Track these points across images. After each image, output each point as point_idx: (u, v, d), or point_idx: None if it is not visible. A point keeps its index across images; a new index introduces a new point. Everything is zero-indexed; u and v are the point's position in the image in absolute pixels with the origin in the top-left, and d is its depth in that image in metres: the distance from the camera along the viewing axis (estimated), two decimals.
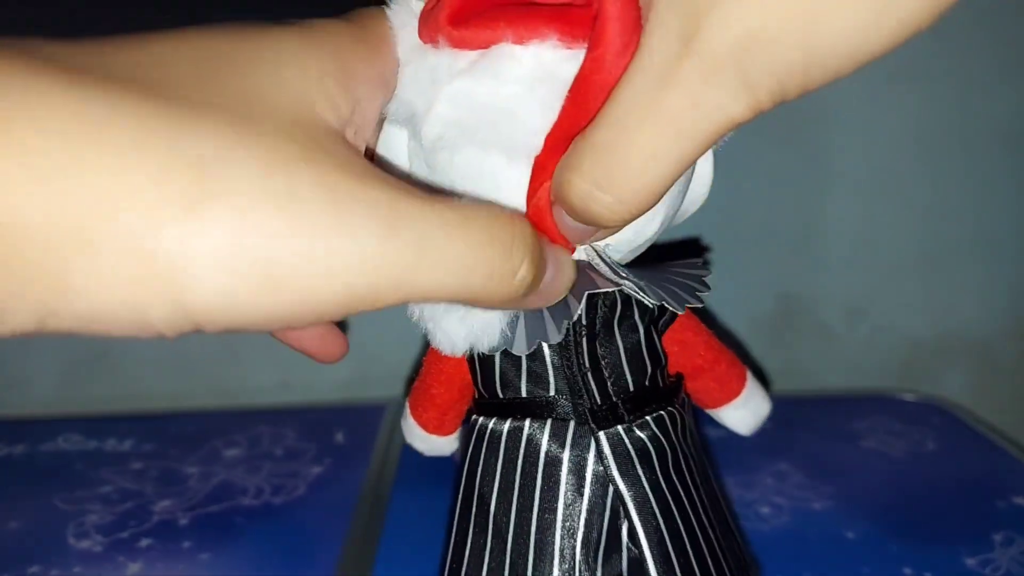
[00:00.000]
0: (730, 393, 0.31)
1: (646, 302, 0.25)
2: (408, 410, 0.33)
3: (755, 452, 0.43)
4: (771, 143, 0.49)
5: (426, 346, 0.28)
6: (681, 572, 0.26)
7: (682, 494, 0.27)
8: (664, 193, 0.20)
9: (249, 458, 0.43)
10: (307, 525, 0.37)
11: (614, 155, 0.19)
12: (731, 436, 0.45)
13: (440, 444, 0.33)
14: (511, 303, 0.21)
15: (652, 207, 0.21)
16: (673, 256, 0.29)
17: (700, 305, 0.26)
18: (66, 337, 0.50)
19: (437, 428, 0.32)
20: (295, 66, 0.20)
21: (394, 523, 0.37)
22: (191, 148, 0.17)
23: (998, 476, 0.41)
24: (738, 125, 0.19)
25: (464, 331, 0.24)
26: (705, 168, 0.28)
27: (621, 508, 0.26)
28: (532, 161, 0.22)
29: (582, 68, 0.21)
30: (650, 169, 0.19)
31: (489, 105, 0.22)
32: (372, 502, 0.39)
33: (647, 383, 0.27)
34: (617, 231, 0.23)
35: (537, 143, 0.22)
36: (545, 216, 0.23)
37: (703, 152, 0.19)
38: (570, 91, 0.21)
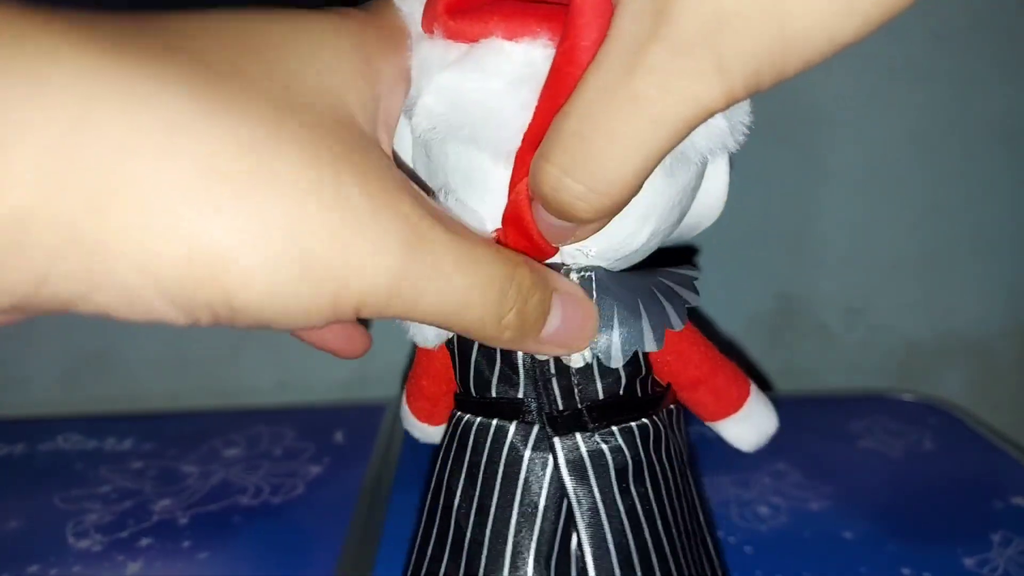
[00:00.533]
0: (728, 407, 0.30)
1: (608, 364, 0.25)
2: (404, 398, 0.33)
3: (753, 452, 0.43)
4: (769, 143, 0.49)
5: None
6: None
7: (639, 509, 0.26)
8: (639, 184, 0.19)
9: (248, 458, 0.43)
10: (306, 525, 0.37)
11: (584, 142, 0.19)
12: None
13: (432, 432, 0.33)
14: (500, 343, 0.22)
15: (628, 199, 0.20)
16: (661, 261, 0.29)
17: (679, 327, 0.26)
18: (66, 337, 0.50)
19: (428, 418, 0.32)
20: (331, 57, 0.20)
21: (394, 523, 0.37)
22: (243, 130, 0.17)
23: (996, 476, 0.41)
24: (712, 113, 0.18)
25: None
26: (717, 182, 0.27)
27: (572, 516, 0.26)
28: (514, 158, 0.22)
29: (554, 61, 0.21)
30: (622, 157, 0.19)
31: (473, 100, 0.22)
32: (371, 502, 0.39)
33: (621, 392, 0.26)
34: (596, 228, 0.23)
35: (519, 141, 0.22)
36: (524, 212, 0.22)
37: (678, 141, 0.19)
38: (544, 86, 0.21)
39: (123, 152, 0.15)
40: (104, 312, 0.17)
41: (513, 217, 0.23)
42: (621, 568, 0.25)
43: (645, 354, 0.27)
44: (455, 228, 0.20)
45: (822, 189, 0.51)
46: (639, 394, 0.27)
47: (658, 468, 0.27)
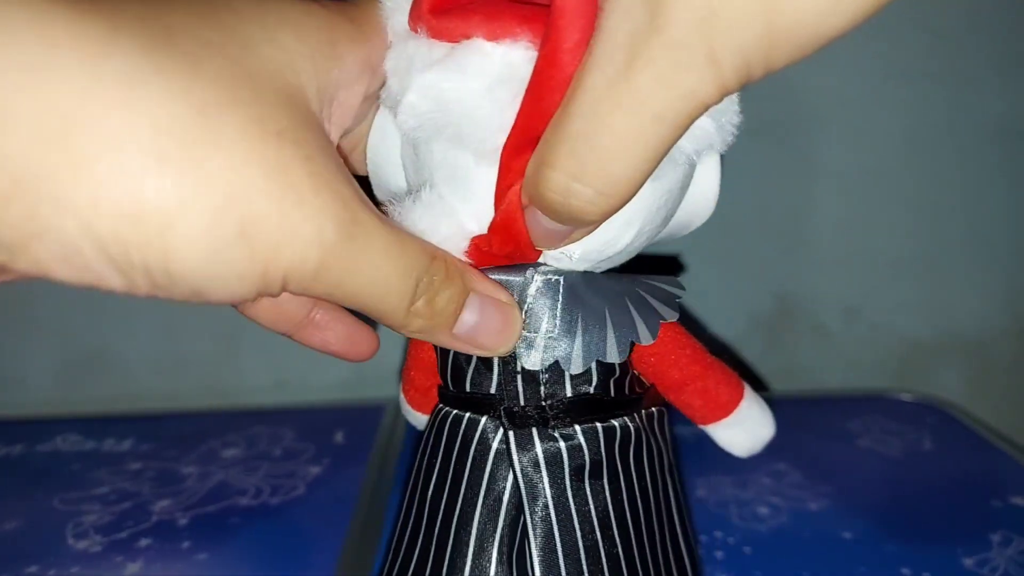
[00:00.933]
0: (719, 411, 0.29)
1: (568, 370, 0.25)
2: (401, 388, 0.34)
3: (748, 457, 0.43)
4: (768, 143, 0.49)
5: None
6: None
7: (593, 511, 0.26)
8: (643, 181, 0.20)
9: (247, 458, 0.43)
10: (306, 525, 0.37)
11: (589, 144, 0.19)
12: None
13: (425, 420, 0.33)
14: (408, 332, 0.22)
15: (632, 197, 0.20)
16: (649, 268, 0.28)
17: (648, 342, 0.25)
18: (64, 337, 0.50)
19: (420, 407, 0.33)
20: (292, 36, 0.20)
21: (393, 523, 0.37)
22: (196, 92, 0.17)
23: (995, 476, 0.41)
24: (708, 107, 0.18)
25: None
26: (708, 182, 0.27)
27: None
28: (497, 160, 0.22)
29: (536, 65, 0.21)
30: (628, 156, 0.19)
31: (453, 100, 0.22)
32: (371, 502, 0.39)
33: (591, 392, 0.26)
34: (591, 231, 0.23)
35: (499, 141, 0.22)
36: (516, 219, 0.22)
37: (679, 136, 0.19)
38: (527, 88, 0.21)
39: (79, 99, 0.15)
40: (41, 268, 0.17)
41: (504, 224, 0.23)
42: (567, 568, 0.25)
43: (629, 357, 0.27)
44: (384, 218, 0.21)
45: (820, 189, 0.51)
46: (612, 395, 0.27)
47: (621, 470, 0.26)
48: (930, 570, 0.33)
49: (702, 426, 0.30)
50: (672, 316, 0.26)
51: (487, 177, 0.23)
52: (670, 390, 0.29)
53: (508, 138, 0.22)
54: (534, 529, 0.25)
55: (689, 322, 0.29)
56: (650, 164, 0.19)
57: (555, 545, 0.25)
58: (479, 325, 0.23)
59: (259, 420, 0.47)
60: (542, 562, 0.25)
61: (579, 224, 0.21)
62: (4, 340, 0.51)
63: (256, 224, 0.18)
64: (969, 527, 0.36)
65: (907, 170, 0.51)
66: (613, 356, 0.25)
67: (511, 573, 0.26)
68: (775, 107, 0.49)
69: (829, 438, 0.45)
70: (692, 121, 0.19)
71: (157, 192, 0.16)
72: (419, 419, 0.33)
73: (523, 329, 0.25)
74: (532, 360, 0.25)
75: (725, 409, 0.29)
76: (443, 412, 0.28)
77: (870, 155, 0.51)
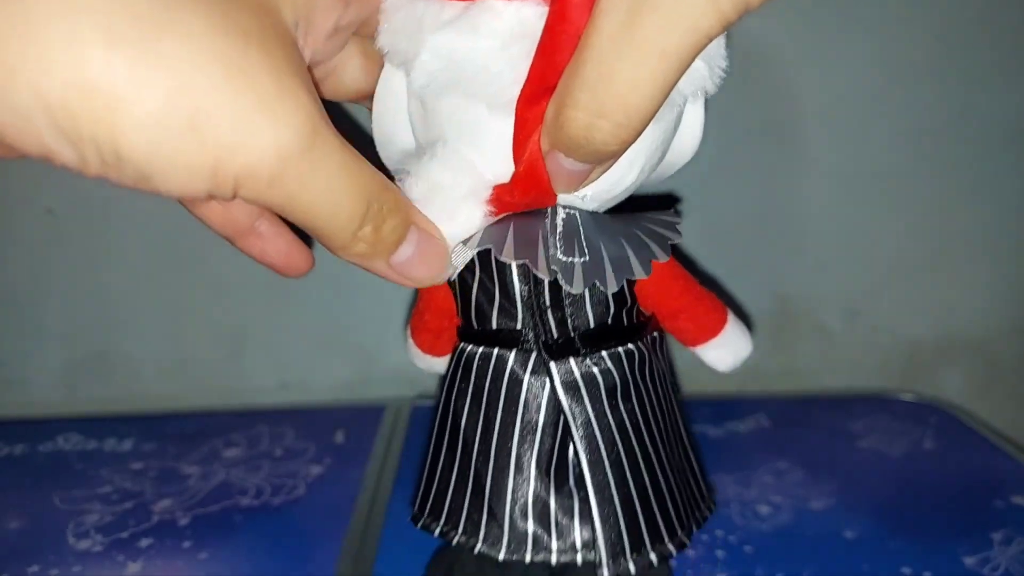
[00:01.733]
0: (708, 333, 0.32)
1: (569, 289, 0.26)
2: (409, 332, 0.35)
3: (754, 451, 0.43)
4: (770, 143, 0.49)
5: None
6: (617, 492, 0.29)
7: (627, 424, 0.29)
8: (655, 112, 0.21)
9: (249, 458, 0.43)
10: (307, 525, 0.37)
11: (605, 84, 0.21)
12: (730, 435, 0.45)
13: (435, 363, 0.35)
14: (350, 256, 0.23)
15: (645, 128, 0.22)
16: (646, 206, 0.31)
17: (654, 263, 0.27)
18: (66, 337, 0.50)
19: (431, 349, 0.34)
20: None
21: (394, 523, 0.37)
22: None
23: (996, 476, 0.41)
24: (711, 39, 0.20)
25: None
26: (693, 124, 0.29)
27: (569, 430, 0.29)
28: (511, 112, 0.24)
29: (547, 20, 0.22)
30: (640, 90, 0.20)
31: (467, 59, 0.23)
32: (371, 502, 0.39)
33: (609, 322, 0.30)
34: (606, 169, 0.25)
35: (513, 94, 0.23)
36: (538, 166, 0.24)
37: (685, 69, 0.20)
38: (540, 43, 0.22)
39: None
40: None
41: (527, 173, 0.24)
42: (612, 473, 0.29)
43: (631, 286, 0.30)
44: (342, 139, 0.21)
45: (822, 189, 0.51)
46: (625, 323, 0.30)
47: (643, 387, 0.30)
48: (931, 569, 0.33)
49: (691, 347, 0.33)
50: (676, 238, 0.29)
51: (501, 128, 0.24)
52: (666, 318, 0.32)
53: (523, 91, 0.23)
54: (580, 443, 0.29)
55: (678, 257, 0.31)
56: (660, 95, 0.21)
57: (600, 454, 0.29)
58: (414, 257, 0.24)
59: (260, 420, 0.48)
60: (590, 467, 0.28)
61: (600, 158, 0.23)
62: (9, 341, 0.51)
63: (209, 118, 0.17)
64: (970, 526, 0.36)
65: (909, 170, 0.51)
66: (640, 273, 0.27)
67: (550, 486, 0.29)
68: (777, 107, 0.49)
69: (831, 438, 0.45)
70: (696, 53, 0.20)
71: (107, 65, 0.16)
72: (430, 363, 0.35)
73: (561, 257, 0.26)
74: (576, 285, 0.26)
75: (713, 332, 0.33)
76: (468, 350, 0.31)
77: (872, 155, 0.51)
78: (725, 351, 0.33)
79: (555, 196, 0.26)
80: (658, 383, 0.31)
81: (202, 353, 0.52)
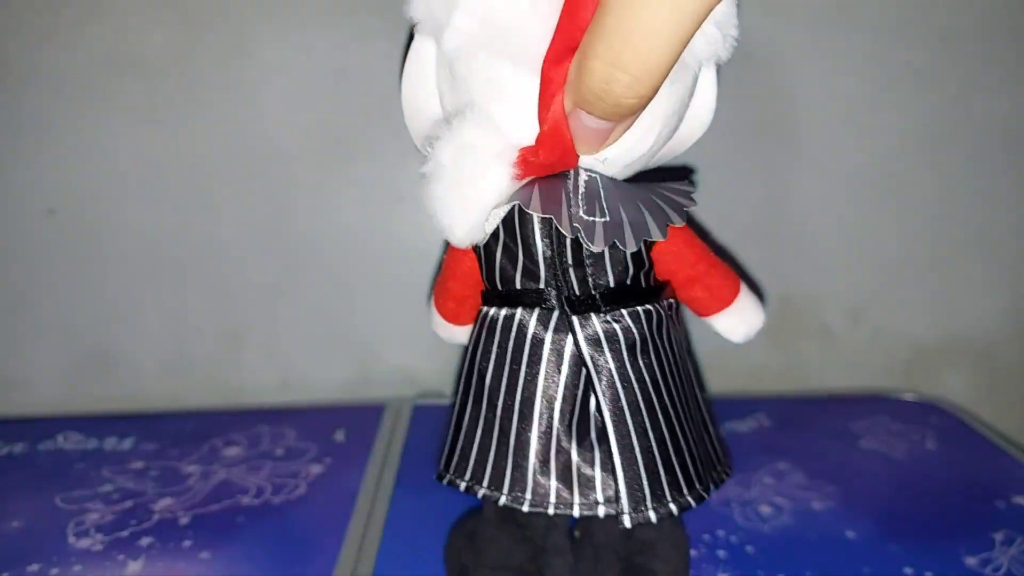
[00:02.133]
0: (720, 303, 0.33)
1: (589, 247, 0.27)
2: (432, 301, 0.36)
3: (755, 451, 0.43)
4: (773, 144, 0.49)
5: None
6: (638, 442, 0.29)
7: (647, 378, 0.30)
8: (669, 66, 0.22)
9: (249, 458, 0.43)
10: (307, 525, 0.37)
11: (622, 36, 0.22)
12: (731, 435, 0.45)
13: (457, 332, 0.36)
14: None
15: (661, 82, 0.23)
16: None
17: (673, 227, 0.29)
18: (67, 336, 0.50)
19: (454, 318, 0.35)
20: None
21: (395, 523, 0.37)
22: None
23: (998, 476, 0.41)
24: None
25: (466, 222, 0.27)
26: (706, 95, 0.30)
27: (591, 384, 0.30)
28: (538, 71, 0.25)
29: None
30: (655, 44, 0.22)
31: (500, 17, 0.25)
32: (372, 502, 0.39)
33: (628, 282, 0.31)
34: (625, 129, 0.26)
35: (539, 52, 0.25)
36: (561, 125, 0.25)
37: (695, 27, 0.22)
38: (564, 4, 0.24)
39: None
40: None
41: (552, 132, 0.25)
42: (634, 423, 0.30)
43: (648, 249, 0.31)
44: None
45: (825, 190, 0.51)
46: (643, 284, 0.31)
47: (660, 346, 0.31)
48: (933, 569, 0.33)
49: (705, 317, 0.34)
50: (691, 204, 0.30)
51: (529, 87, 0.26)
52: (681, 286, 0.33)
53: (548, 50, 0.25)
54: (602, 395, 0.30)
55: (693, 228, 0.32)
56: (675, 50, 0.22)
57: (621, 405, 0.30)
58: None
59: (261, 419, 0.47)
60: (612, 417, 0.29)
61: (619, 113, 0.24)
62: (10, 340, 0.51)
63: None
64: (972, 527, 0.36)
65: (912, 171, 0.51)
66: (656, 235, 0.28)
67: (572, 439, 0.30)
68: (778, 107, 0.49)
69: (832, 438, 0.45)
70: (708, 11, 0.21)
71: None
72: (452, 332, 0.36)
73: (583, 215, 0.27)
74: (597, 243, 0.27)
75: (726, 301, 0.33)
76: (491, 313, 0.32)
77: (875, 156, 0.51)
78: (738, 320, 0.34)
79: (577, 158, 0.27)
80: (674, 345, 0.32)
81: (203, 352, 0.52)
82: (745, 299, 0.34)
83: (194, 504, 0.38)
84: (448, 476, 0.32)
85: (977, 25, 0.49)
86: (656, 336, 0.31)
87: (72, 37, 0.46)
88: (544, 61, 0.25)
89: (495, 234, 0.31)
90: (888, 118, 0.50)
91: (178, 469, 0.42)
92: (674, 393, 0.31)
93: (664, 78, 0.23)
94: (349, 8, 0.46)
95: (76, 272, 0.50)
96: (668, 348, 0.31)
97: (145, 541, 0.35)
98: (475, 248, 0.32)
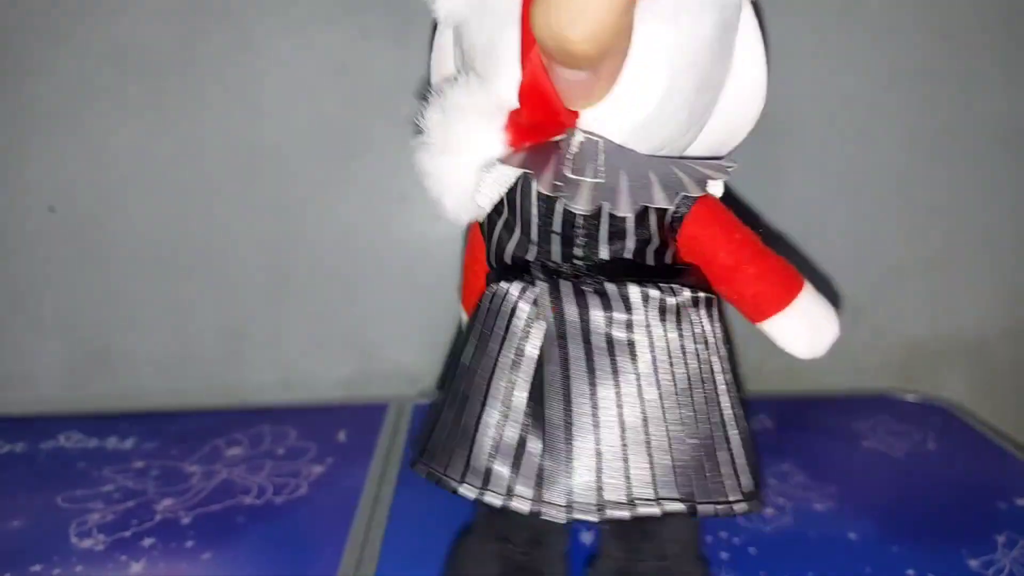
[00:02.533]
0: (773, 301, 0.28)
1: (572, 206, 0.25)
2: (459, 300, 0.36)
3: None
4: (772, 143, 0.49)
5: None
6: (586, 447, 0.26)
7: (616, 350, 0.27)
8: (614, 29, 0.21)
9: (251, 457, 0.43)
10: (310, 524, 0.37)
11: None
12: None
13: None
14: None
15: (611, 27, 0.21)
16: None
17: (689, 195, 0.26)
18: (69, 335, 0.50)
19: None
20: None
21: (397, 522, 0.37)
22: None
23: (1000, 477, 0.41)
24: None
25: (456, 187, 0.27)
26: (753, 68, 0.28)
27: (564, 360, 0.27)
28: (519, 25, 0.25)
29: None
30: (594, 6, 0.21)
31: None
32: (374, 501, 0.39)
33: (627, 256, 0.27)
34: (607, 80, 0.24)
35: (517, 9, 0.25)
36: (540, 76, 0.24)
37: None
38: None
39: None
40: None
41: (531, 86, 0.25)
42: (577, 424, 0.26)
43: (660, 224, 0.28)
44: None
45: (824, 190, 0.51)
46: (652, 263, 0.28)
47: (656, 330, 0.27)
48: (935, 571, 0.33)
49: (758, 322, 0.28)
50: (719, 178, 0.27)
51: (510, 39, 0.25)
52: (720, 279, 0.28)
53: (522, 5, 0.24)
54: (549, 364, 0.27)
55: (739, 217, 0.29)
56: (612, 13, 0.20)
57: (571, 398, 0.26)
58: None
59: (263, 419, 0.47)
60: (560, 415, 0.26)
61: (574, 58, 0.22)
62: (11, 338, 0.51)
63: None
64: (974, 528, 0.36)
65: (911, 172, 0.51)
66: (660, 201, 0.25)
67: (537, 407, 0.27)
68: (778, 107, 0.49)
69: (834, 439, 0.45)
70: None
71: None
72: None
73: (568, 173, 0.26)
74: (580, 203, 0.25)
75: (782, 300, 0.28)
76: (486, 292, 0.30)
77: (876, 157, 0.51)
78: (800, 324, 0.28)
79: (564, 115, 0.25)
80: (686, 334, 0.27)
81: (204, 351, 0.52)
82: (809, 299, 0.28)
83: (196, 504, 0.38)
84: (420, 464, 0.30)
85: (977, 25, 0.49)
86: (650, 319, 0.27)
87: (73, 34, 0.46)
88: (522, 15, 0.24)
89: (498, 209, 0.29)
90: (888, 118, 0.50)
91: (180, 469, 0.42)
92: (661, 399, 0.27)
93: (611, 38, 0.21)
94: (351, 6, 0.46)
95: (77, 270, 0.50)
96: (665, 335, 0.27)
97: (147, 541, 0.35)
98: (482, 230, 0.31)
